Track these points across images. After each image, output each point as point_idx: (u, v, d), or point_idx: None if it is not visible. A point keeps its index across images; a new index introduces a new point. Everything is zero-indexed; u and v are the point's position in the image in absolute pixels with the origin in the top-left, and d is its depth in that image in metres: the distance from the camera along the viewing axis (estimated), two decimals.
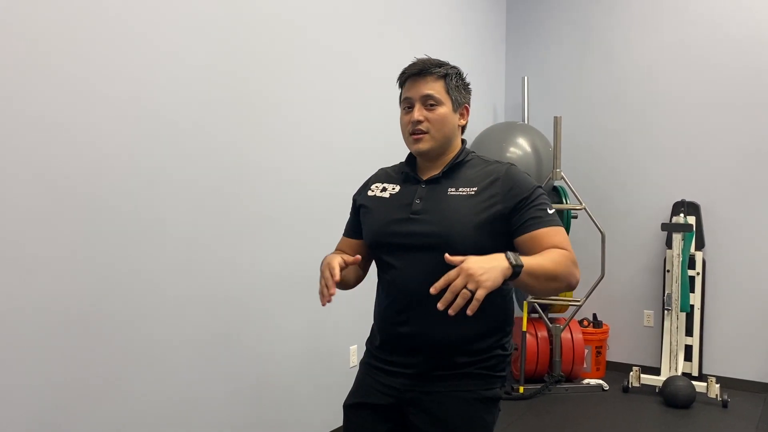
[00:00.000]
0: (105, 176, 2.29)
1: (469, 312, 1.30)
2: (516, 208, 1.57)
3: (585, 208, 4.28)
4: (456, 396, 1.60)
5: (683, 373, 4.46)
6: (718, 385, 4.10)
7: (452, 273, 1.32)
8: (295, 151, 3.16)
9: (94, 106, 2.25)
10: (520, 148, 4.51)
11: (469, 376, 1.60)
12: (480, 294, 1.29)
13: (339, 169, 3.39)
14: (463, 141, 1.75)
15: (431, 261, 1.53)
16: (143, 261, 2.44)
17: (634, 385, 4.36)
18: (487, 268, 1.32)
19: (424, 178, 1.69)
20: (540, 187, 1.62)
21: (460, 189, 1.62)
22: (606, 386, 4.47)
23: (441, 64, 1.68)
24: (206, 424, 2.70)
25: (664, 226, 4.45)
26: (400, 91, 1.72)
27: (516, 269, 1.37)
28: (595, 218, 4.35)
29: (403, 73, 1.71)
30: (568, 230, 4.68)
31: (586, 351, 4.64)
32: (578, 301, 4.39)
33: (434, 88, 1.65)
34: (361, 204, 1.78)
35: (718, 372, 4.53)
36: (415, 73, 1.67)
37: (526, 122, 4.93)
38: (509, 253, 1.39)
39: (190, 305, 2.63)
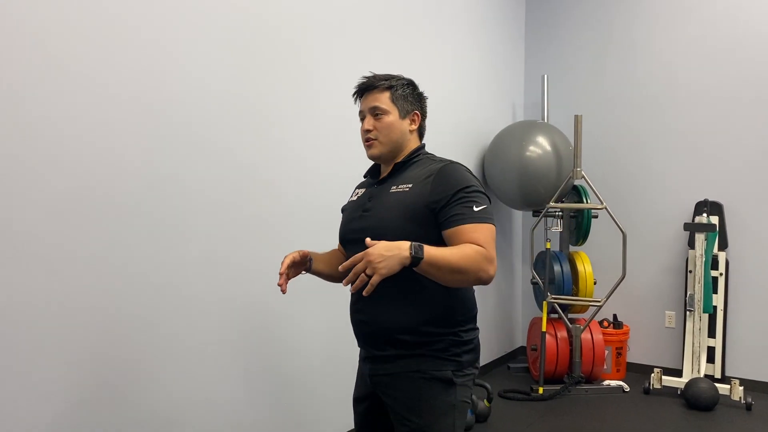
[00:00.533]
0: (129, 177, 2.30)
1: (364, 293, 1.46)
2: (444, 204, 1.68)
3: (606, 208, 4.23)
4: (410, 376, 1.72)
5: (705, 375, 4.40)
6: (741, 388, 4.04)
7: (358, 256, 1.47)
8: (318, 152, 3.16)
9: (119, 109, 2.26)
10: (540, 147, 4.47)
11: (420, 357, 1.72)
12: (374, 279, 1.44)
13: (360, 170, 3.38)
14: (422, 144, 1.94)
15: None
16: (166, 260, 2.45)
17: (655, 386, 4.30)
18: (386, 256, 1.46)
19: (381, 174, 1.91)
20: (472, 185, 1.71)
21: (400, 186, 1.78)
22: (627, 388, 4.42)
23: (387, 78, 1.87)
24: (227, 423, 2.70)
25: (687, 226, 4.39)
26: (355, 101, 1.92)
27: (415, 259, 1.49)
28: (616, 218, 4.30)
29: (355, 88, 1.90)
30: (588, 230, 4.65)
31: (606, 352, 4.59)
32: (599, 301, 4.34)
33: (380, 99, 1.84)
34: (342, 211, 2.01)
35: (742, 374, 4.46)
36: (364, 87, 1.87)
37: (545, 121, 4.89)
38: (414, 243, 1.51)
39: (212, 305, 2.64)
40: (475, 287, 1.78)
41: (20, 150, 1.99)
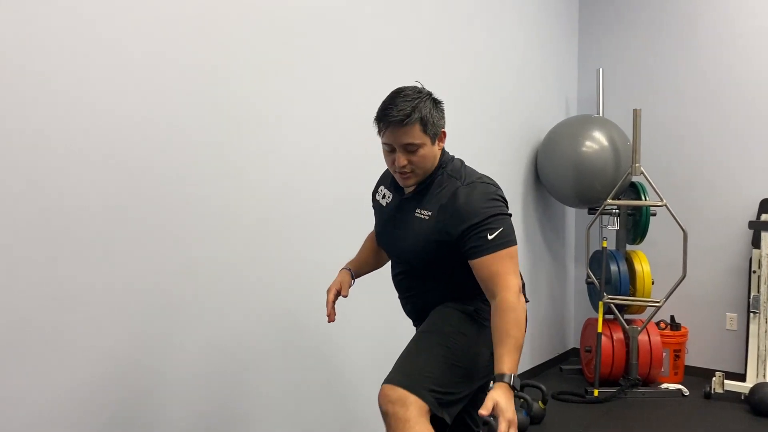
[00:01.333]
0: (190, 170, 2.30)
1: None
2: (459, 236, 1.78)
3: (666, 205, 4.09)
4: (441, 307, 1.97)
5: None
6: None
7: (502, 427, 1.54)
8: (364, 146, 3.12)
9: (186, 102, 2.26)
10: (596, 142, 4.34)
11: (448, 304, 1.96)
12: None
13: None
14: (445, 157, 1.92)
15: (406, 264, 2.02)
16: (220, 251, 2.44)
17: (716, 391, 4.13)
18: (512, 409, 1.57)
19: (406, 192, 1.96)
20: (485, 211, 1.76)
21: (422, 211, 1.88)
22: (686, 391, 4.27)
23: (414, 107, 1.78)
24: (278, 420, 2.69)
25: (752, 224, 4.21)
26: (378, 129, 1.85)
27: (515, 387, 1.61)
28: (677, 215, 4.14)
29: (379, 118, 1.82)
30: (647, 227, 4.50)
31: (664, 354, 4.44)
32: (657, 301, 4.20)
33: (412, 134, 1.79)
34: (373, 206, 2.15)
35: None
36: (393, 122, 1.79)
37: (600, 115, 4.75)
38: (506, 379, 1.60)
39: (264, 302, 2.62)
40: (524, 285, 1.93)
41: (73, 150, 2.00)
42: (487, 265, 1.73)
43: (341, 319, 2.94)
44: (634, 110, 4.25)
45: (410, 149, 1.80)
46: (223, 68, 2.42)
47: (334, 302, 2.07)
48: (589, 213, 4.71)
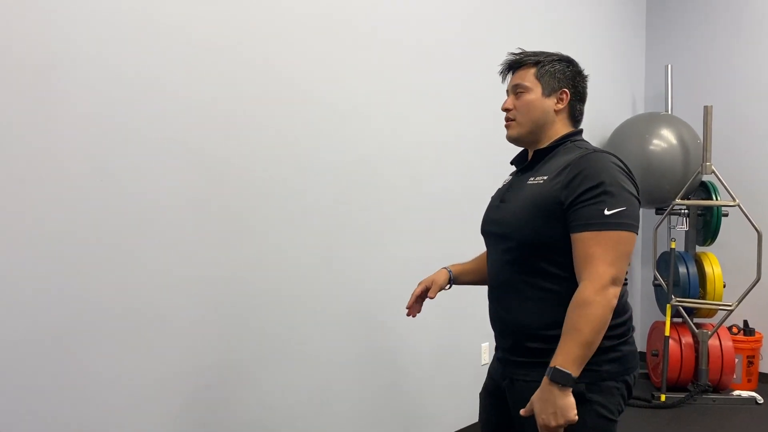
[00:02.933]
0: (242, 179, 2.37)
1: None
2: (572, 201, 1.50)
3: (738, 205, 3.93)
4: (534, 386, 1.50)
5: None
6: None
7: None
8: (428, 146, 3.13)
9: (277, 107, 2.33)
10: (664, 140, 4.22)
11: (544, 365, 1.48)
12: (564, 422, 1.42)
13: (470, 164, 3.34)
14: (576, 131, 1.72)
15: (501, 247, 1.66)
16: (287, 250, 2.49)
17: None
18: (546, 409, 1.42)
19: (521, 163, 1.77)
20: (609, 180, 1.49)
21: (537, 178, 1.62)
22: (760, 399, 4.09)
23: (537, 54, 1.72)
24: (341, 419, 2.73)
25: None
26: (503, 78, 1.81)
27: (571, 383, 1.41)
28: (750, 215, 3.98)
29: (501, 65, 1.78)
30: (718, 228, 4.34)
31: (736, 360, 4.27)
32: (729, 305, 4.04)
33: (524, 76, 1.70)
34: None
35: None
36: (510, 65, 1.75)
37: (669, 113, 4.60)
38: (554, 374, 1.42)
39: (327, 303, 2.67)
40: (625, 292, 1.61)
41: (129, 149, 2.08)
42: (588, 243, 1.46)
43: (401, 321, 2.97)
44: (705, 107, 4.10)
45: (517, 90, 1.70)
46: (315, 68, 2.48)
47: (418, 296, 1.90)
48: (657, 213, 4.58)
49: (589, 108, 4.38)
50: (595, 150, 1.59)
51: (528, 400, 1.50)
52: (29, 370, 1.78)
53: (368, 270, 2.82)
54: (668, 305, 4.18)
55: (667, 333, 4.16)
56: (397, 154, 2.94)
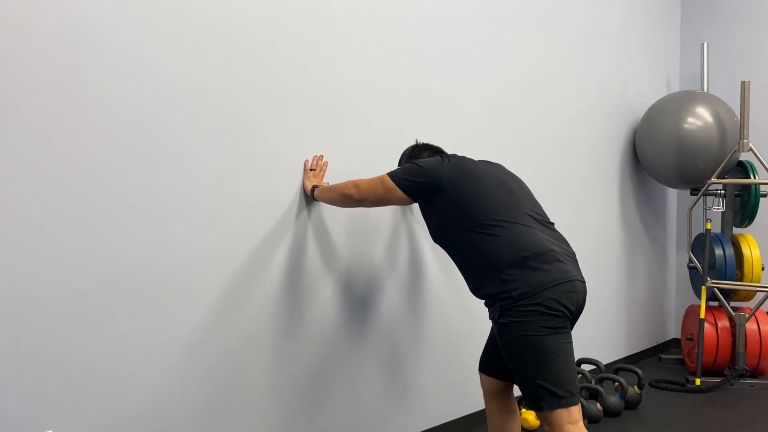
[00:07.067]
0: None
1: None
2: None
3: None
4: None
5: None
6: None
7: None
8: (473, 142, 3.10)
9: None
10: (699, 118, 4.11)
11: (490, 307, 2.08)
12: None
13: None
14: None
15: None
16: (332, 250, 2.57)
17: None
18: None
19: None
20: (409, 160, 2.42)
21: None
22: None
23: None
24: (359, 389, 2.73)
25: None
26: None
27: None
28: None
29: None
30: (756, 209, 4.21)
31: None
32: (766, 287, 3.92)
33: None
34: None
35: None
36: None
37: (705, 91, 4.48)
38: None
39: (355, 304, 2.68)
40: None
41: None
42: None
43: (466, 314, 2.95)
44: (742, 82, 3.97)
45: None
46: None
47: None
48: (692, 194, 4.45)
49: (621, 88, 4.33)
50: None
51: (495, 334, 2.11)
52: (58, 325, 1.83)
53: (390, 268, 2.81)
54: (703, 287, 4.07)
55: (702, 316, 4.05)
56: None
